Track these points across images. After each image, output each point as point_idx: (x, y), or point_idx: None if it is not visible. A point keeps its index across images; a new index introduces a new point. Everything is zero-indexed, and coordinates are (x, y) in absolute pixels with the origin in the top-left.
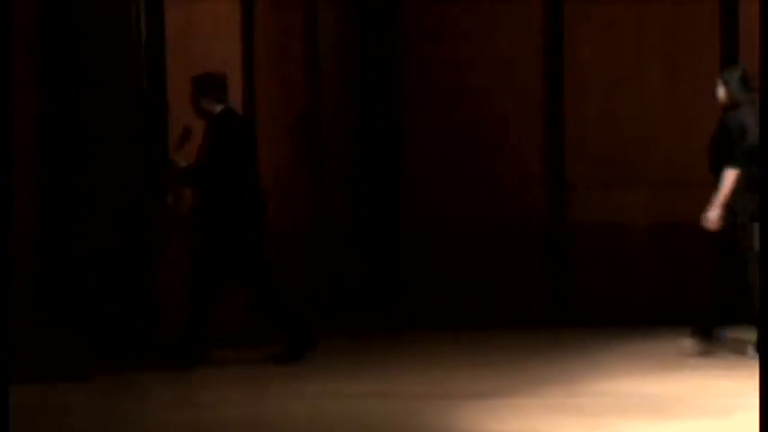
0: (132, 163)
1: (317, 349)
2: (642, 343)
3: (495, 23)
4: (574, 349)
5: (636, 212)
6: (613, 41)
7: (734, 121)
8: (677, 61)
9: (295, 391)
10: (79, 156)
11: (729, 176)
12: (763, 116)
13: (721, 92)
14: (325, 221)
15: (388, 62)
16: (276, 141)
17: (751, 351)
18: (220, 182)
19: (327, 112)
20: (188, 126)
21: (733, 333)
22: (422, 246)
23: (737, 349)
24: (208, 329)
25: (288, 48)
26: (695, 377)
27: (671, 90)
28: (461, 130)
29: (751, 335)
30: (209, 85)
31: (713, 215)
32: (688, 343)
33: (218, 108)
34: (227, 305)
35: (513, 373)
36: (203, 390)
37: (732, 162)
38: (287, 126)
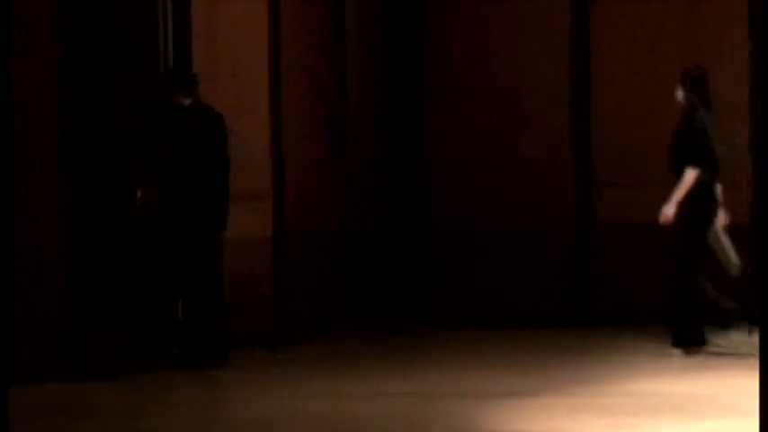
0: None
1: (345, 350)
2: (669, 343)
3: (522, 23)
4: (600, 349)
5: None
6: (641, 40)
7: (700, 123)
8: (707, 60)
9: (318, 390)
10: (103, 153)
11: (691, 176)
12: (762, 116)
13: (679, 93)
14: (352, 221)
15: (415, 61)
16: (302, 141)
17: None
18: (186, 174)
19: (353, 112)
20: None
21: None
22: (449, 245)
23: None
24: (224, 328)
25: (314, 47)
26: (721, 377)
27: None
28: (488, 128)
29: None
30: (181, 80)
31: (670, 212)
32: (676, 352)
33: (187, 102)
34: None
35: (539, 372)
36: (226, 389)
37: (695, 162)
38: (312, 125)
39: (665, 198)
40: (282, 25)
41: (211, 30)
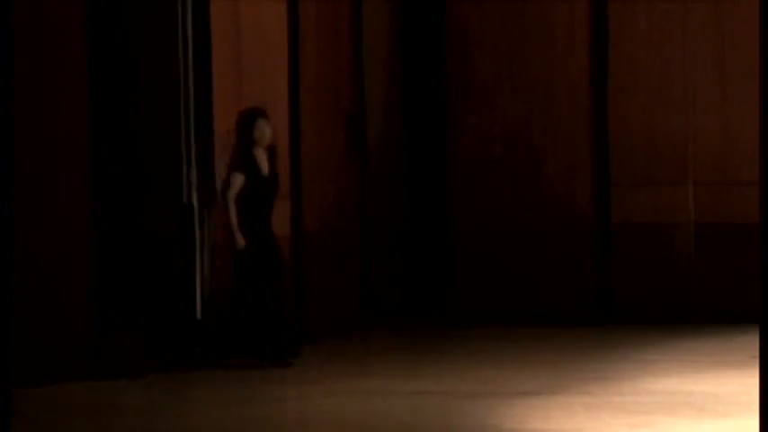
0: (178, 163)
1: (368, 348)
2: (687, 341)
3: (541, 23)
4: (619, 348)
5: (681, 211)
6: (658, 40)
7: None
8: (723, 60)
9: (342, 389)
10: (127, 156)
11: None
12: (762, 117)
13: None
14: (372, 220)
15: (436, 60)
16: (322, 140)
17: None
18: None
19: (374, 110)
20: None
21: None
22: (468, 244)
23: None
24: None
25: (334, 45)
26: (740, 376)
27: (717, 89)
28: (508, 127)
29: None
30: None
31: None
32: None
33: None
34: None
35: (558, 371)
36: (252, 388)
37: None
38: (332, 126)
39: (692, 197)
40: (303, 24)
41: (235, 33)
